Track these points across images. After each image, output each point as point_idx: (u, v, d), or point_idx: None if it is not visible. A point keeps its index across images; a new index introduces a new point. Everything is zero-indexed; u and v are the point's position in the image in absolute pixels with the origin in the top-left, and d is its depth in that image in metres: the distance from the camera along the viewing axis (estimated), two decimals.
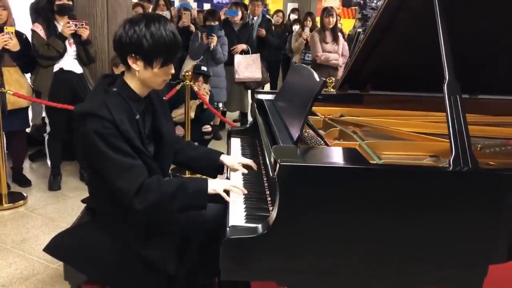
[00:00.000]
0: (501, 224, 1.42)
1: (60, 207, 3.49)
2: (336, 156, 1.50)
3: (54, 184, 3.79)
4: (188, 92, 4.06)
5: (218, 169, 2.06)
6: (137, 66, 1.66)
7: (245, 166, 2.01)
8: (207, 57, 5.19)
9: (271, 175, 1.47)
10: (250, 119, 6.38)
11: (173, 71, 1.74)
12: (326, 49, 5.67)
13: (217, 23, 5.18)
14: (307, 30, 6.34)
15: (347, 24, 11.24)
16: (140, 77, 1.69)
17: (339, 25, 6.07)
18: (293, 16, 8.09)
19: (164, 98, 2.01)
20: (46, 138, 3.82)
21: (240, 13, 5.57)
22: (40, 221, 3.23)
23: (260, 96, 2.59)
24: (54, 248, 1.91)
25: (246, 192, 1.75)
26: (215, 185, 1.72)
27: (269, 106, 2.28)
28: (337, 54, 5.66)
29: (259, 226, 1.38)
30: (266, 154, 1.80)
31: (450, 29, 1.62)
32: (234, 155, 2.23)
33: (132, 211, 1.66)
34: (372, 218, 1.36)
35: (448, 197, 1.38)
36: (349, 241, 1.37)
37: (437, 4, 1.66)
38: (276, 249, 1.36)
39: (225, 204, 1.74)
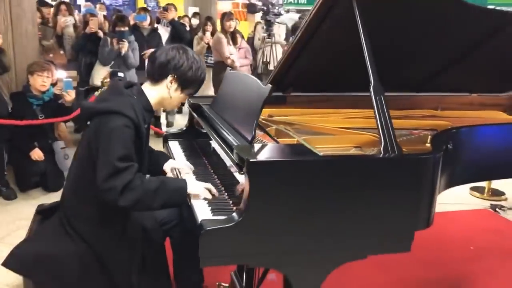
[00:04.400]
0: (421, 198, 1.77)
1: None
2: (291, 151, 1.74)
3: None
4: None
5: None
6: (171, 85, 1.92)
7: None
8: (118, 63, 5.18)
9: (239, 172, 1.67)
10: (163, 121, 6.45)
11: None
12: (229, 51, 5.95)
13: (127, 28, 5.20)
14: (208, 34, 6.58)
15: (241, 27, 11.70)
16: (168, 95, 1.93)
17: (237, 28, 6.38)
18: (195, 21, 8.25)
19: None
20: None
21: (148, 18, 5.63)
22: None
23: (194, 101, 2.76)
24: (13, 262, 1.91)
25: (217, 194, 1.89)
26: (194, 187, 1.85)
27: (209, 111, 2.46)
28: (234, 55, 6.00)
29: (234, 216, 1.57)
30: (218, 153, 1.99)
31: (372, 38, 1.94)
32: (175, 160, 2.34)
33: (115, 208, 1.75)
34: (326, 201, 1.63)
35: (382, 178, 1.69)
36: (309, 222, 1.62)
37: (358, 17, 1.97)
38: (249, 235, 1.56)
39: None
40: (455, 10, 2.24)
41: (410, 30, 2.35)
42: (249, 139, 1.85)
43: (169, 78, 1.89)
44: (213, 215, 1.73)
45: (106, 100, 1.85)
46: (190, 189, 1.83)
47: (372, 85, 1.88)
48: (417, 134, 2.56)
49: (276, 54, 6.13)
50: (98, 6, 6.50)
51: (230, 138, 1.94)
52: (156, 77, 1.92)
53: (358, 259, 1.74)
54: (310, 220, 1.62)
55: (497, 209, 4.00)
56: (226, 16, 5.87)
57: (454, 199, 4.05)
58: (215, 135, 2.09)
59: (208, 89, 7.03)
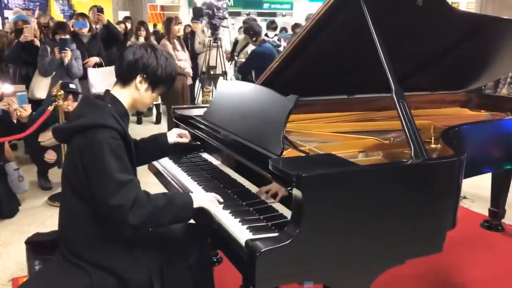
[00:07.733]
0: (451, 200, 1.82)
1: None
2: (329, 161, 1.71)
3: None
4: (62, 112, 3.78)
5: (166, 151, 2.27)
6: (141, 86, 1.82)
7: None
8: (60, 73, 4.82)
9: (285, 187, 1.61)
10: None
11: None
12: (178, 57, 5.77)
13: (68, 36, 4.85)
14: (141, 39, 6.37)
15: None
16: (139, 96, 1.85)
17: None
18: (127, 25, 7.93)
19: None
20: None
21: (88, 25, 5.29)
22: None
23: (180, 112, 2.64)
24: None
25: (222, 200, 1.90)
26: (199, 200, 1.83)
27: (207, 123, 2.34)
28: (187, 61, 5.84)
29: (288, 232, 1.51)
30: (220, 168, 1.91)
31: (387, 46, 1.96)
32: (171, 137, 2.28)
33: (124, 226, 1.70)
34: (372, 209, 1.62)
35: (420, 183, 1.72)
36: (357, 231, 1.61)
37: (372, 27, 1.98)
38: (304, 250, 1.51)
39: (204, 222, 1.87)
40: (447, 13, 2.33)
41: (401, 32, 2.40)
42: (278, 153, 1.79)
43: (138, 78, 1.82)
44: (253, 234, 1.65)
45: (82, 115, 1.74)
46: (197, 203, 1.81)
47: (393, 91, 1.90)
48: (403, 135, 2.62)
49: (223, 58, 6.06)
50: (25, 12, 5.98)
51: (252, 151, 1.88)
52: (125, 78, 1.84)
53: (397, 265, 1.76)
54: (359, 229, 1.62)
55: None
56: (174, 20, 5.66)
57: None
58: (230, 151, 2.01)
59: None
